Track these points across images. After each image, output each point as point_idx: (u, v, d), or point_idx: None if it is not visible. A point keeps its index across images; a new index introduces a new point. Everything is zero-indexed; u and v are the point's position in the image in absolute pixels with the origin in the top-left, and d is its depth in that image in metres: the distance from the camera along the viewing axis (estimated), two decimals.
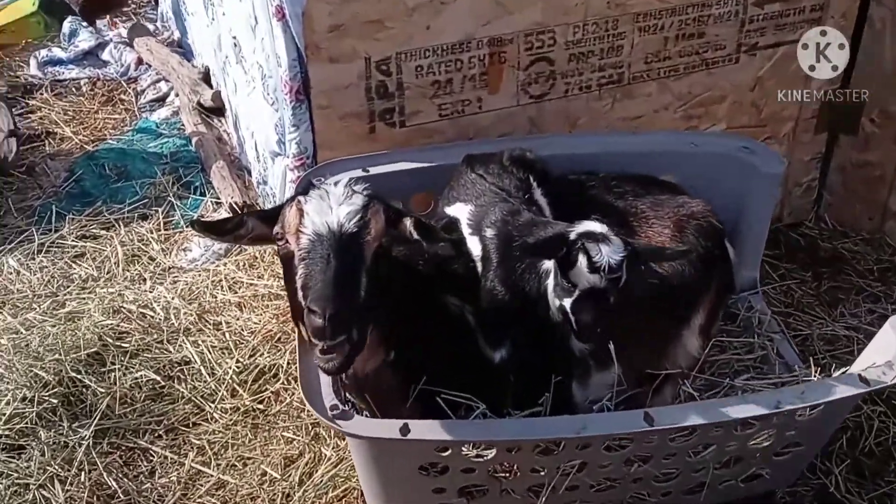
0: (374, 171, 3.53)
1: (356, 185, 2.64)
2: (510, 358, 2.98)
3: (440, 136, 3.89)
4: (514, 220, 3.00)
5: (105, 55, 6.57)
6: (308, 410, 3.57)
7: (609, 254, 2.66)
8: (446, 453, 2.67)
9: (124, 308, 4.08)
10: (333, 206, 2.55)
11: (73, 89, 6.25)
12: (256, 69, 3.98)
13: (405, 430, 2.53)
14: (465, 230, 3.12)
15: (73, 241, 4.58)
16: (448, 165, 3.54)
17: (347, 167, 3.53)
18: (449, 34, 3.68)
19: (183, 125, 5.63)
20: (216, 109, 5.63)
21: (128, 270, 4.40)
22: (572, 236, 2.74)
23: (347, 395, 2.87)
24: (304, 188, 2.68)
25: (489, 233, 3.02)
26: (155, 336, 3.95)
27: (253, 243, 3.07)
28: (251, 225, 2.74)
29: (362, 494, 3.20)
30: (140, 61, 6.41)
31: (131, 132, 5.63)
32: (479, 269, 3.02)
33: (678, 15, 4.06)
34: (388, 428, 2.55)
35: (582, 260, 2.66)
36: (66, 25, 6.63)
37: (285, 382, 3.74)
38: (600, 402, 2.92)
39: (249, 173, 4.96)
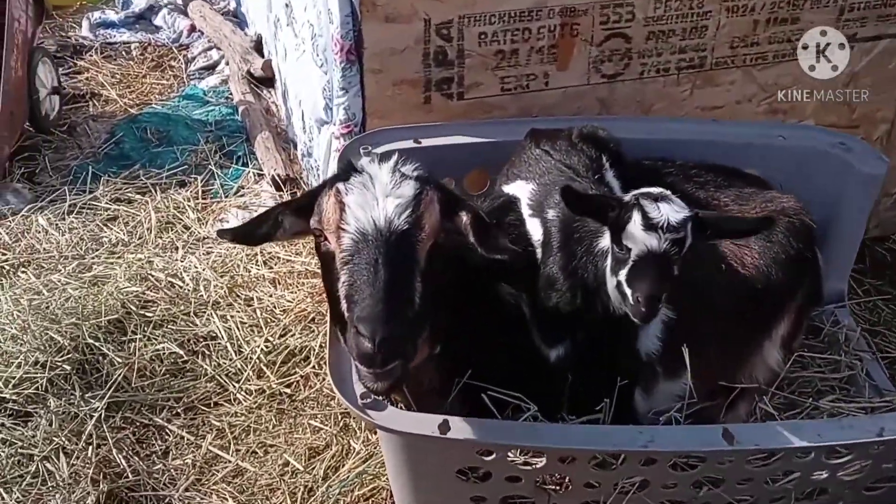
0: (426, 143, 3.24)
1: (405, 166, 2.31)
2: (568, 357, 2.64)
3: (500, 111, 3.57)
4: None
5: (158, 20, 6.42)
6: (337, 398, 3.30)
7: (668, 211, 2.32)
8: (490, 458, 2.34)
9: (152, 276, 3.84)
10: (380, 198, 2.21)
11: (123, 53, 6.08)
12: (307, 29, 3.70)
13: (445, 427, 2.21)
14: (525, 211, 2.79)
15: (106, 203, 4.36)
16: (509, 142, 3.22)
17: (397, 137, 3.24)
18: (516, 0, 3.36)
19: (231, 94, 5.41)
20: (266, 80, 5.41)
21: (160, 237, 4.16)
22: (626, 197, 2.41)
23: None
24: (345, 170, 2.35)
25: (551, 214, 2.69)
26: (182, 307, 3.70)
27: (291, 238, 2.67)
28: (287, 224, 2.41)
29: (391, 495, 2.88)
30: (193, 28, 6.23)
31: (177, 98, 5.43)
32: (539, 255, 2.68)
33: None
34: (425, 423, 2.23)
35: (636, 217, 2.32)
36: None
37: (316, 366, 3.45)
38: (667, 414, 2.56)
39: (295, 146, 4.70)
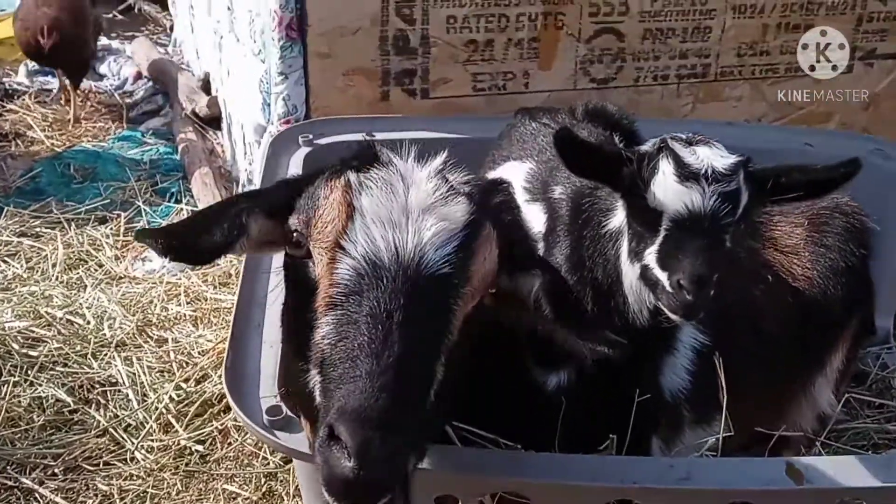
0: (381, 136, 2.62)
1: (454, 172, 1.51)
2: (570, 387, 1.94)
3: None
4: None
5: (102, 69, 5.95)
6: (259, 450, 2.58)
7: (710, 156, 1.67)
8: None
9: (47, 312, 3.14)
10: (413, 213, 1.40)
11: (63, 100, 5.53)
12: (245, 18, 3.14)
13: None
14: (521, 196, 2.15)
15: (7, 236, 3.68)
16: (480, 140, 2.64)
17: (348, 128, 2.67)
18: None
19: (172, 135, 4.84)
20: (213, 120, 4.84)
21: (66, 274, 3.48)
22: (646, 146, 1.78)
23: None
24: (360, 154, 1.51)
25: (557, 192, 2.06)
26: (77, 348, 3.01)
27: (254, 251, 1.67)
28: (256, 229, 1.55)
29: None
30: (139, 76, 5.75)
31: (112, 140, 4.84)
32: (541, 249, 2.02)
33: None
34: None
35: (665, 167, 1.67)
36: None
37: (238, 419, 2.72)
38: (700, 452, 1.86)
39: (238, 184, 4.10)
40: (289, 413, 1.55)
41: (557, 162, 2.09)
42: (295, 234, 1.48)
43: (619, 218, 1.87)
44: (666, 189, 1.67)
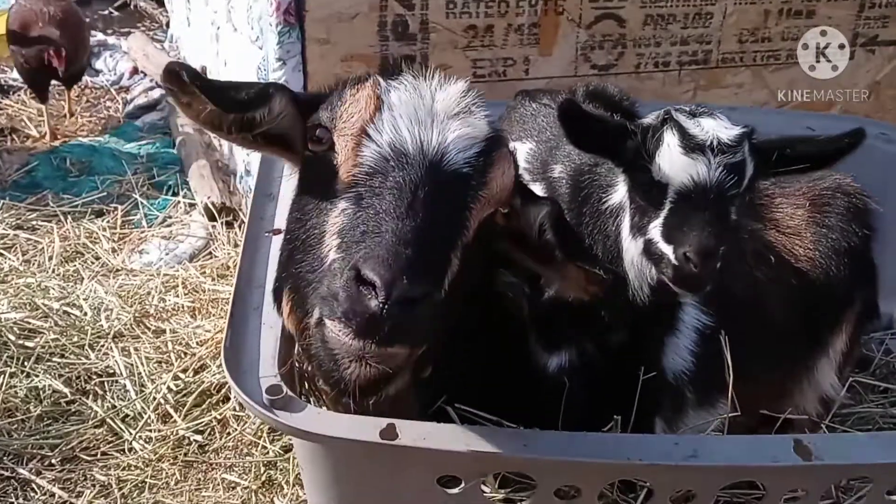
0: None
1: (476, 102, 1.56)
2: (571, 367, 1.93)
3: None
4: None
5: (98, 64, 5.91)
6: (258, 439, 2.56)
7: (715, 127, 1.66)
8: (456, 489, 1.60)
9: (43, 304, 3.11)
10: (439, 115, 1.48)
11: (57, 94, 5.49)
12: (244, 7, 3.11)
13: (390, 432, 1.48)
14: (523, 177, 2.13)
15: (2, 230, 3.64)
16: None
17: None
18: None
19: (169, 129, 4.80)
20: None
21: (63, 267, 3.45)
22: (649, 119, 1.76)
23: (310, 384, 1.81)
24: (387, 68, 1.68)
25: (557, 171, 2.04)
26: (74, 339, 2.96)
27: (262, 147, 1.69)
28: (278, 105, 1.59)
29: None
30: (135, 71, 5.71)
31: (108, 134, 4.80)
32: None
33: None
34: (361, 427, 1.48)
35: (670, 139, 1.65)
36: None
37: (237, 408, 2.69)
38: (707, 431, 1.84)
39: (235, 176, 4.07)
40: (289, 393, 1.52)
41: (557, 141, 2.08)
42: (318, 130, 1.53)
43: (620, 193, 1.85)
44: (672, 161, 1.65)
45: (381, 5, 2.76)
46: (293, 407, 1.52)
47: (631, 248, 1.79)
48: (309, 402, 1.65)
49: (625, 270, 1.83)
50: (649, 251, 1.71)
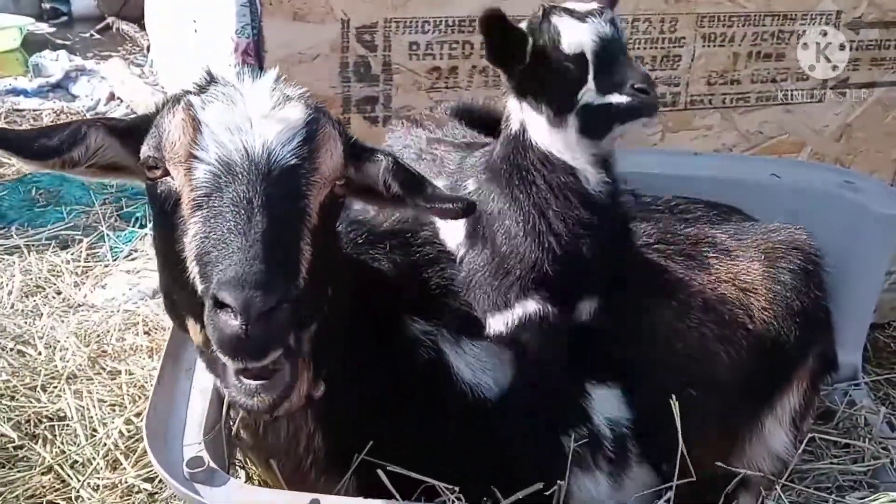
0: None
1: (287, 87, 1.62)
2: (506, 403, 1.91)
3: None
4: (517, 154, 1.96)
5: (76, 89, 5.92)
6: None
7: (580, 4, 1.83)
8: None
9: None
10: (255, 119, 1.52)
11: (31, 119, 5.48)
12: (208, 44, 3.08)
13: None
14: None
15: None
16: None
17: None
18: (458, 4, 2.80)
19: None
20: None
21: (22, 302, 3.38)
22: (522, 25, 1.87)
23: (241, 455, 1.77)
24: (200, 83, 1.62)
25: (471, 185, 2.01)
26: (27, 380, 2.90)
27: (101, 175, 1.71)
28: (95, 141, 1.61)
29: None
30: (112, 97, 5.70)
31: None
32: (464, 253, 1.98)
33: (753, 25, 3.19)
34: (283, 502, 1.43)
35: (559, 22, 1.80)
36: (34, 58, 6.12)
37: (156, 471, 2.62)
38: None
39: None
40: (211, 464, 1.47)
41: (457, 165, 2.09)
42: (150, 161, 1.56)
43: (515, 121, 1.92)
44: (575, 34, 1.77)
45: (343, 46, 2.73)
46: (214, 480, 1.47)
47: (559, 143, 1.85)
48: (244, 464, 1.61)
49: (575, 177, 1.87)
50: (595, 111, 1.78)
